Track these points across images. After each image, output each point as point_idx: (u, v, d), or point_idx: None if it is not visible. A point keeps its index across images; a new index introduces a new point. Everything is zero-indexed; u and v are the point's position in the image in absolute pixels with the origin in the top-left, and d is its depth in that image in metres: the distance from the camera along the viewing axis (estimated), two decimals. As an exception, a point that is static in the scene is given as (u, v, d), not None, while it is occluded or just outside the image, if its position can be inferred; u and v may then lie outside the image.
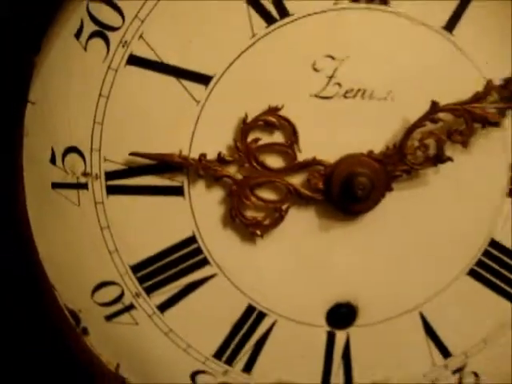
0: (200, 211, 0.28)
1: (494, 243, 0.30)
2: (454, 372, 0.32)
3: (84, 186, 0.28)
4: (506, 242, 0.30)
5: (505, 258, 0.30)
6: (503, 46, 0.28)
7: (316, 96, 0.27)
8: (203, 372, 0.31)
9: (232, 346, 0.30)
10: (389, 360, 0.31)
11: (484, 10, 0.27)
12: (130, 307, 0.30)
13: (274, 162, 0.27)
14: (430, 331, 0.31)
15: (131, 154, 0.27)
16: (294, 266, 0.29)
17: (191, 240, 0.28)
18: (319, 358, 0.31)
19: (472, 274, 0.30)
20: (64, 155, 0.27)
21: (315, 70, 0.27)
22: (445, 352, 0.32)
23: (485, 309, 0.31)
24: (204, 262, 0.29)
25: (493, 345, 0.32)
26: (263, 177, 0.27)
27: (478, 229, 0.29)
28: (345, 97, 0.27)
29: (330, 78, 0.27)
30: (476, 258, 0.30)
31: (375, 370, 0.31)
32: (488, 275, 0.30)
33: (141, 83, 0.27)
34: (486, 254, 0.30)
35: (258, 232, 0.28)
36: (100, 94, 0.27)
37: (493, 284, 0.31)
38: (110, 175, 0.28)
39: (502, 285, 0.31)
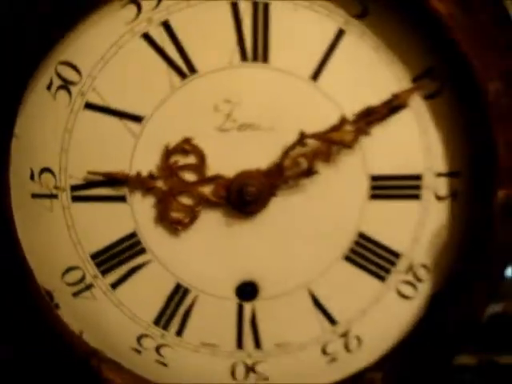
0: (138, 213, 0.38)
1: (361, 235, 0.40)
2: (340, 336, 0.41)
3: (55, 196, 0.38)
4: (371, 234, 0.40)
5: (372, 247, 0.40)
6: (361, 86, 0.38)
7: (218, 129, 0.37)
8: (146, 336, 0.41)
9: (166, 315, 0.40)
10: (287, 326, 0.41)
11: (345, 58, 0.37)
12: (90, 286, 0.40)
13: (190, 176, 0.38)
14: (317, 304, 0.41)
15: (89, 172, 0.38)
16: (209, 252, 0.39)
17: (132, 235, 0.39)
18: (233, 325, 0.40)
19: (347, 259, 0.40)
20: (40, 173, 0.38)
21: (217, 110, 0.37)
22: (331, 320, 0.41)
23: (361, 287, 0.41)
24: (142, 251, 0.39)
25: (371, 314, 0.41)
26: (182, 188, 0.38)
27: (348, 224, 0.39)
28: (239, 130, 0.37)
29: (228, 116, 0.37)
30: (349, 247, 0.40)
31: (277, 334, 0.41)
32: (360, 260, 0.40)
33: (94, 122, 0.37)
34: (357, 243, 0.40)
35: (180, 228, 0.38)
36: (65, 129, 0.37)
37: (365, 267, 0.40)
38: (73, 188, 0.38)
39: (373, 267, 0.40)
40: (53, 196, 0.39)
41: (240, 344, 0.42)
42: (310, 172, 0.38)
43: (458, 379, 1.01)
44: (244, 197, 0.37)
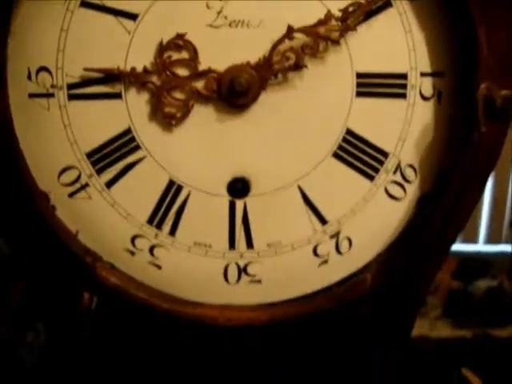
0: (133, 110, 0.41)
1: (349, 132, 0.42)
2: (331, 237, 0.43)
3: (52, 95, 0.41)
4: (358, 132, 0.42)
5: (360, 144, 0.42)
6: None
7: (209, 26, 0.40)
8: (140, 236, 0.42)
9: (160, 213, 0.43)
10: (279, 225, 0.43)
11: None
12: (85, 186, 0.42)
13: (183, 71, 0.40)
14: (308, 202, 0.43)
15: (85, 69, 0.40)
16: (202, 148, 0.42)
17: (127, 132, 0.42)
18: (225, 224, 0.43)
19: (336, 156, 0.42)
20: (37, 73, 0.41)
21: (208, 7, 0.40)
22: (322, 220, 0.43)
23: (350, 185, 0.43)
24: (137, 148, 0.42)
25: (360, 215, 0.43)
26: (175, 82, 0.40)
27: (336, 121, 0.42)
28: (230, 26, 0.40)
29: (219, 13, 0.40)
30: (337, 144, 0.42)
31: (269, 233, 0.43)
32: (349, 158, 0.42)
33: (89, 20, 0.40)
34: (345, 140, 0.42)
35: (173, 122, 0.40)
36: (61, 29, 0.40)
37: (354, 165, 0.43)
38: (70, 86, 0.41)
39: (361, 166, 0.43)
40: (49, 95, 0.42)
41: (232, 244, 0.44)
42: (297, 66, 0.40)
43: (454, 352, 1.03)
44: (235, 88, 0.40)
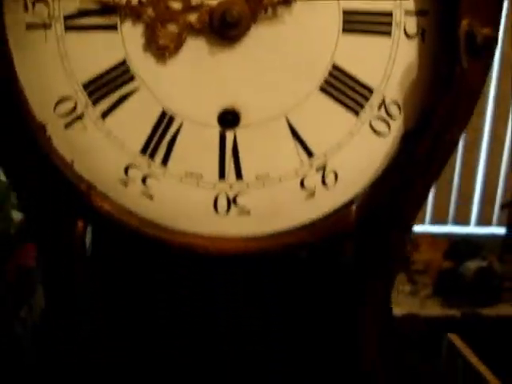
0: (128, 41, 0.43)
1: (336, 67, 0.44)
2: (317, 170, 0.45)
3: (49, 26, 0.42)
4: (345, 67, 0.44)
5: (346, 80, 0.44)
6: None
7: None
8: (133, 166, 0.44)
9: (152, 143, 0.44)
10: (267, 157, 0.44)
11: None
12: (81, 116, 0.44)
13: (177, 5, 0.42)
14: (295, 134, 0.45)
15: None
16: (194, 79, 0.44)
17: (123, 63, 0.43)
18: (215, 154, 0.45)
19: (323, 90, 0.44)
20: (34, 3, 0.42)
21: None
22: (309, 152, 0.45)
23: (336, 120, 0.45)
24: (131, 79, 0.44)
25: (346, 149, 0.45)
26: (169, 16, 0.42)
27: (323, 56, 0.44)
28: None
29: None
30: (324, 78, 0.44)
31: (257, 165, 0.44)
32: (335, 92, 0.44)
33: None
34: (331, 75, 0.44)
35: (166, 53, 0.42)
36: None
37: (340, 100, 0.45)
38: (67, 17, 0.43)
39: (347, 101, 0.44)
40: (46, 26, 0.43)
41: (222, 174, 0.46)
42: (287, 0, 0.42)
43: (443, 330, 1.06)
44: (226, 20, 0.41)
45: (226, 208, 0.47)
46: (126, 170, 0.46)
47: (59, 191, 0.45)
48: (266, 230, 0.47)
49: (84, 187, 0.45)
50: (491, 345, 1.18)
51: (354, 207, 0.47)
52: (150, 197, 0.47)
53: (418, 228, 2.10)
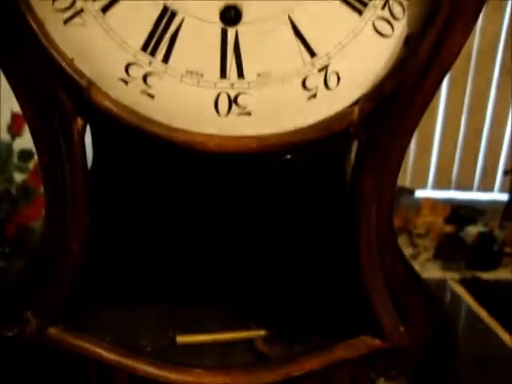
0: None
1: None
2: (320, 70, 0.45)
3: None
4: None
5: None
6: None
7: None
8: (134, 64, 0.44)
9: (154, 40, 0.44)
10: (269, 55, 0.44)
11: None
12: (80, 11, 0.44)
13: None
14: (297, 33, 0.44)
15: None
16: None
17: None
18: (216, 51, 0.44)
19: (326, -13, 0.43)
20: None
21: None
22: (311, 52, 0.45)
23: (339, 19, 0.45)
24: (132, -29, 0.42)
25: (349, 49, 0.45)
26: None
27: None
28: None
29: None
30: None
31: (259, 63, 0.44)
32: (338, -9, 0.44)
33: None
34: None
35: None
36: None
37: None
38: None
39: (350, -1, 0.44)
40: None
41: (224, 73, 0.45)
42: None
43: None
44: None
45: (226, 108, 0.47)
46: (127, 68, 0.46)
47: (59, 86, 0.45)
48: (267, 131, 0.48)
49: (85, 83, 0.45)
50: (489, 308, 1.19)
51: (356, 107, 0.47)
52: (151, 96, 0.46)
53: (419, 193, 2.10)
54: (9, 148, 1.56)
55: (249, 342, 0.61)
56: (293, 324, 0.61)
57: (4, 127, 1.54)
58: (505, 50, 1.79)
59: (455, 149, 2.00)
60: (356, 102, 0.47)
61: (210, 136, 0.46)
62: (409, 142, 0.51)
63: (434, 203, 1.88)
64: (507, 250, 1.75)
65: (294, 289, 0.64)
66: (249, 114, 0.47)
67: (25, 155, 1.56)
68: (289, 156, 0.46)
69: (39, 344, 0.51)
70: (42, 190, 1.67)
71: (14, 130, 1.54)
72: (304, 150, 0.47)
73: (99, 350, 0.52)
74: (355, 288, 0.53)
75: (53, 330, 0.51)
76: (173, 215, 0.60)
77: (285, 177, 0.60)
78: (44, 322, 0.51)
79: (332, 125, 0.47)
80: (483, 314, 0.88)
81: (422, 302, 0.55)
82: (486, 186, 2.10)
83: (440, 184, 2.04)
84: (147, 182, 0.61)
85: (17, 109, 1.67)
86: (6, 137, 1.59)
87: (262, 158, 0.47)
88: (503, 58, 1.78)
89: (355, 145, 0.52)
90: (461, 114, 1.94)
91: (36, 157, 1.66)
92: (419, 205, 1.75)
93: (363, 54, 0.47)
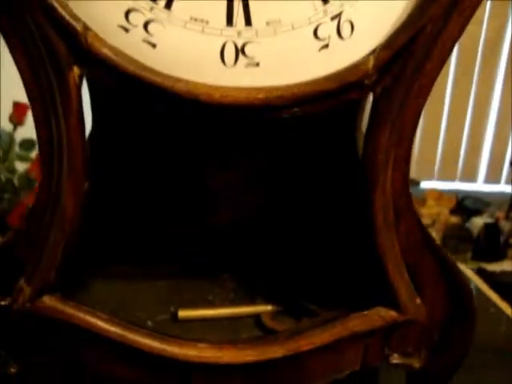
0: None
1: None
2: (332, 18, 0.41)
3: None
4: None
5: None
6: None
7: None
8: (134, 10, 0.41)
9: None
10: (279, 2, 0.41)
11: None
12: (78, -47, 0.40)
13: None
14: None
15: None
16: None
17: None
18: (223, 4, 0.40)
19: None
20: None
21: None
22: (323, -2, 0.41)
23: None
24: None
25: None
26: None
27: None
28: None
29: None
30: None
31: (268, 10, 0.41)
32: None
33: None
34: None
35: None
36: None
37: None
38: None
39: None
40: None
41: (230, 20, 0.42)
42: None
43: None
44: None
45: (233, 58, 0.44)
46: (127, 15, 0.42)
47: (53, 30, 0.42)
48: (276, 83, 0.44)
49: (80, 27, 0.41)
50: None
51: (372, 57, 0.44)
52: (153, 44, 0.43)
53: (425, 184, 2.07)
54: (10, 137, 1.54)
55: (256, 318, 0.58)
56: (302, 299, 0.58)
57: (5, 117, 1.52)
58: None
59: (461, 140, 1.97)
60: (372, 53, 0.45)
61: (216, 87, 0.43)
62: (425, 99, 0.47)
63: (440, 194, 1.85)
64: (513, 241, 1.72)
65: (303, 261, 0.61)
66: (257, 64, 0.44)
67: (27, 145, 1.54)
68: (297, 111, 0.43)
69: (33, 314, 0.49)
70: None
71: (16, 120, 1.52)
72: (315, 104, 0.44)
73: (97, 321, 0.49)
74: (370, 257, 0.50)
75: (47, 299, 0.49)
76: (176, 180, 0.57)
77: (295, 139, 0.57)
78: (38, 290, 0.48)
79: (346, 76, 0.43)
80: (494, 297, 0.85)
81: (439, 273, 0.52)
82: (492, 178, 2.07)
83: (446, 175, 2.01)
84: (149, 146, 0.58)
85: (18, 98, 1.64)
86: (7, 126, 1.57)
87: (270, 111, 0.44)
88: (510, 49, 1.75)
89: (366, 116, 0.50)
90: (467, 105, 1.91)
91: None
92: (425, 196, 1.72)
93: (378, 2, 0.44)
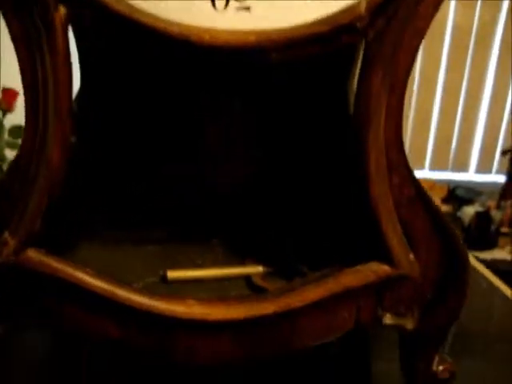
0: None
1: None
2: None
3: None
4: None
5: None
6: None
7: None
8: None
9: None
10: None
11: None
12: None
13: None
14: None
15: None
16: None
17: None
18: None
19: None
20: None
21: None
22: None
23: None
24: None
25: None
26: None
27: None
28: None
29: None
30: None
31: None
32: None
33: None
34: None
35: None
36: None
37: None
38: None
39: None
40: None
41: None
42: None
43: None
44: None
45: (224, 2, 0.44)
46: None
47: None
48: (268, 28, 0.44)
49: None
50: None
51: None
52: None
53: (417, 173, 2.05)
54: (0, 124, 1.52)
55: (246, 279, 0.57)
56: (293, 260, 0.57)
57: (-6, 103, 1.50)
58: (505, 27, 1.76)
59: (453, 130, 1.98)
60: (363, -2, 0.44)
61: (207, 29, 0.42)
62: (418, 45, 0.46)
63: (432, 184, 1.85)
64: (504, 229, 1.72)
65: (294, 221, 0.60)
66: (247, 9, 0.44)
67: (16, 131, 1.51)
68: (289, 55, 0.42)
69: (18, 268, 0.48)
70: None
71: (5, 106, 1.50)
72: (307, 48, 0.43)
73: (84, 276, 0.48)
74: (362, 211, 0.49)
75: (32, 253, 0.47)
76: (166, 132, 0.56)
77: (286, 90, 0.56)
78: (23, 242, 0.47)
79: (338, 19, 0.42)
80: (485, 272, 0.84)
81: (432, 229, 0.51)
82: (484, 168, 2.08)
83: (437, 165, 2.01)
84: (138, 98, 0.57)
85: (6, 84, 1.62)
86: (-4, 113, 1.55)
87: (261, 54, 0.43)
88: (502, 39, 1.75)
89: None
90: (459, 94, 1.92)
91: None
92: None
93: None
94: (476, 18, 1.81)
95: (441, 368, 0.57)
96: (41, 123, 0.45)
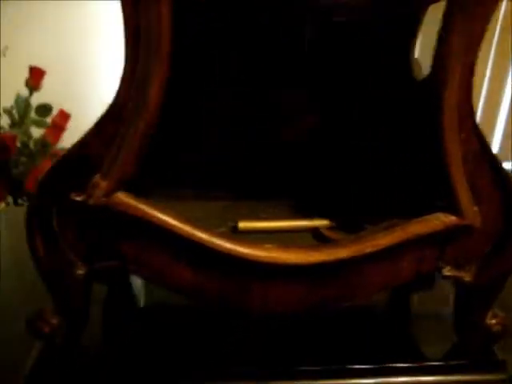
0: None
1: None
2: None
3: None
4: None
5: None
6: None
7: None
8: None
9: None
10: None
11: None
12: None
13: None
14: None
15: None
16: None
17: None
18: None
19: None
20: None
21: None
22: None
23: None
24: None
25: None
26: None
27: None
28: None
29: None
30: None
31: None
32: None
33: None
34: None
35: None
36: None
37: None
38: None
39: None
40: None
41: None
42: None
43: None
44: None
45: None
46: None
47: None
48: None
49: None
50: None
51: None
52: None
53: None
54: (27, 103, 1.53)
55: (313, 232, 0.59)
56: (356, 212, 0.59)
57: (22, 81, 1.51)
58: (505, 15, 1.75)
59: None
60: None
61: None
62: (493, 10, 0.50)
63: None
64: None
65: (360, 178, 0.62)
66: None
67: (42, 110, 1.52)
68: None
69: (108, 210, 0.50)
70: (59, 144, 1.62)
71: (32, 84, 1.51)
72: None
73: (172, 220, 0.50)
74: (432, 163, 0.52)
75: (122, 195, 0.49)
76: (246, 78, 0.58)
77: (350, 57, 0.58)
78: (114, 183, 0.49)
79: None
80: None
81: (495, 185, 0.54)
82: (505, 156, 2.09)
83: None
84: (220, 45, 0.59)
85: (34, 62, 1.63)
86: (23, 92, 1.56)
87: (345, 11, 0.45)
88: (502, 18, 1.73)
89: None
90: (481, 85, 1.93)
91: (54, 112, 1.61)
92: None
93: None
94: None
95: (494, 322, 0.60)
96: (140, 67, 0.47)
